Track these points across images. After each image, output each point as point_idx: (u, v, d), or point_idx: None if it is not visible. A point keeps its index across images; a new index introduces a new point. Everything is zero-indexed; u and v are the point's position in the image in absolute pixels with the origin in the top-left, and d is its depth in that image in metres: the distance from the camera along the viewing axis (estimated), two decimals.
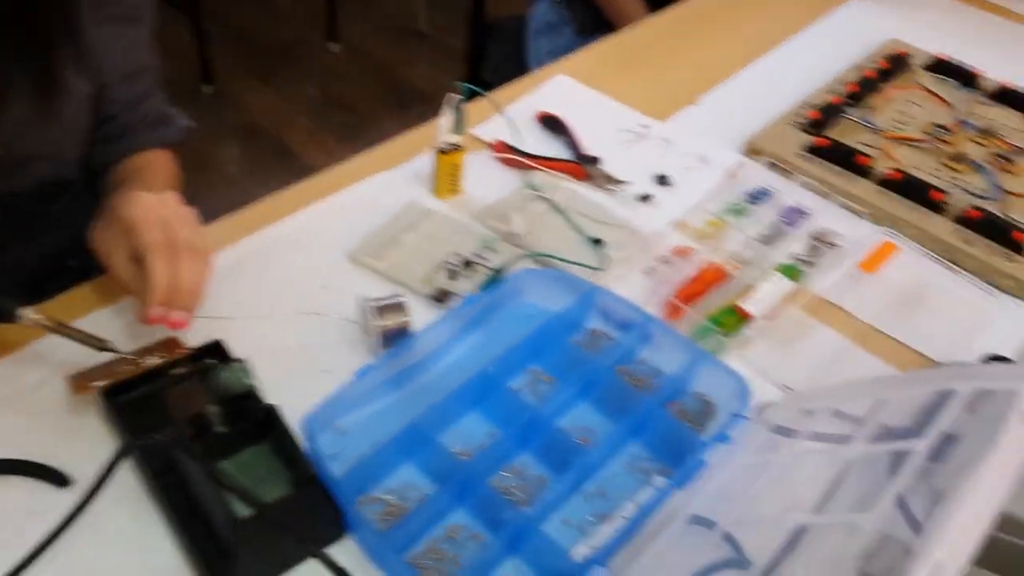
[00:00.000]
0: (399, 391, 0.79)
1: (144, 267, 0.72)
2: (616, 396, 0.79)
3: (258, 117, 2.73)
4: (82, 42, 0.87)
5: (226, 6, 3.13)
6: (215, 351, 0.78)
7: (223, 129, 2.66)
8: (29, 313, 0.73)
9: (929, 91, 1.22)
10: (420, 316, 0.84)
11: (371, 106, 2.82)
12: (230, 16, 3.10)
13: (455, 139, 0.97)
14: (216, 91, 2.78)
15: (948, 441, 0.66)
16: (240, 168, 2.53)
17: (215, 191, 2.42)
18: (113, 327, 0.82)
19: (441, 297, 0.87)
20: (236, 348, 0.79)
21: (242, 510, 0.62)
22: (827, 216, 0.99)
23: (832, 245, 0.96)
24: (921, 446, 0.58)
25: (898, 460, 0.74)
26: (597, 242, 0.95)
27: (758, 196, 1.02)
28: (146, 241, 0.73)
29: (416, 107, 2.80)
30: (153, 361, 0.76)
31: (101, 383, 0.74)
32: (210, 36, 2.69)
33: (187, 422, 0.67)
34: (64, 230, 1.03)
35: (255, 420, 0.70)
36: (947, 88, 1.23)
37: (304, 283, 0.89)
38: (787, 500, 0.65)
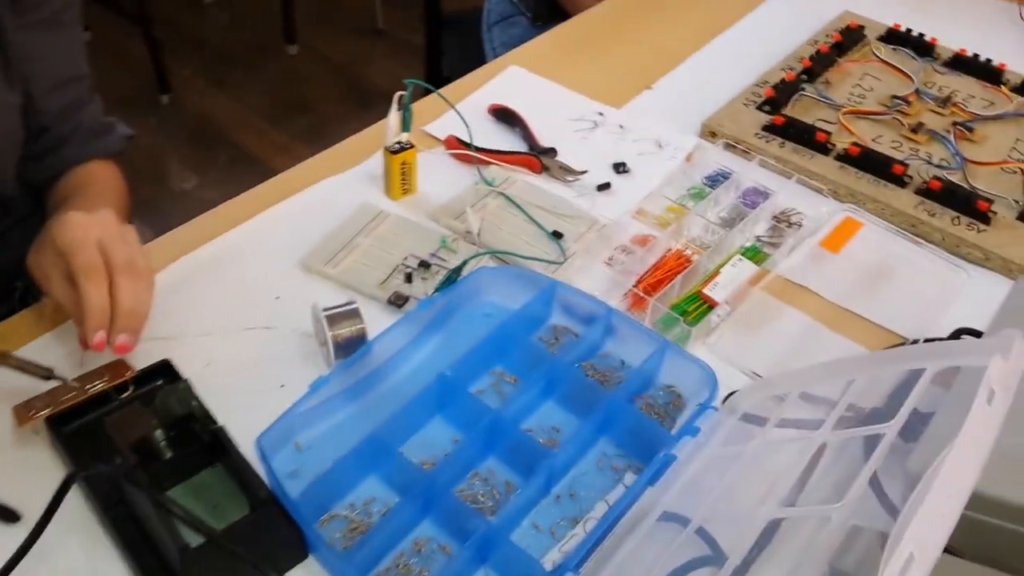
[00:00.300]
0: (357, 402, 0.76)
1: (78, 291, 0.70)
2: (582, 393, 0.77)
3: (218, 124, 2.68)
4: (7, 51, 0.84)
5: (179, 13, 3.08)
6: (163, 371, 0.75)
7: (183, 138, 2.62)
8: None
9: (885, 62, 1.20)
10: (377, 322, 0.81)
11: (333, 107, 2.78)
12: (183, 23, 3.05)
13: (403, 137, 0.95)
14: (173, 100, 2.74)
15: (920, 419, 0.64)
16: (203, 177, 2.48)
17: (178, 201, 2.38)
18: (58, 352, 0.79)
19: (398, 301, 0.85)
20: (186, 367, 0.76)
21: (195, 538, 0.60)
22: (788, 195, 0.98)
23: (794, 225, 0.95)
24: (892, 430, 0.56)
25: (871, 443, 0.73)
26: (556, 235, 0.92)
27: (717, 179, 1.00)
28: (79, 264, 0.70)
29: (379, 106, 2.74)
30: (99, 386, 0.74)
31: (45, 412, 0.72)
32: (162, 45, 2.64)
33: (133, 449, 0.65)
34: (7, 251, 1.00)
35: (203, 443, 0.67)
36: (902, 58, 1.22)
37: (256, 294, 0.86)
38: (760, 491, 0.63)
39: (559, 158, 1.03)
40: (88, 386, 0.73)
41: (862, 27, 1.26)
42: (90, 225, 0.72)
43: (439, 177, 1.00)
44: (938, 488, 0.46)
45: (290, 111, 2.74)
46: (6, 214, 0.98)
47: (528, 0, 1.67)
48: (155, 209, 2.31)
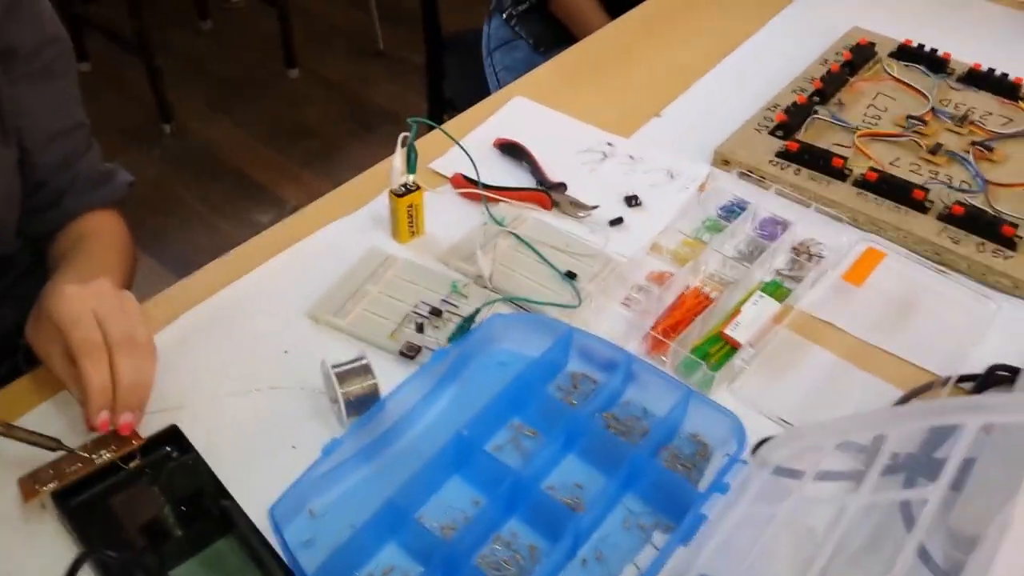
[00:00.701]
0: (371, 463, 0.74)
1: (78, 371, 0.67)
2: (604, 446, 0.74)
3: (222, 151, 2.67)
4: (0, 107, 0.82)
5: (177, 40, 3.07)
6: (171, 438, 0.73)
7: (187, 167, 2.60)
8: None
9: (898, 80, 1.18)
10: (389, 375, 0.78)
11: (335, 130, 2.76)
12: (182, 50, 3.04)
13: (409, 179, 0.92)
14: (176, 129, 2.72)
15: (962, 468, 0.62)
16: (209, 206, 2.47)
17: (186, 231, 2.36)
18: (61, 419, 0.77)
19: (410, 352, 0.82)
20: (194, 431, 0.74)
21: None
22: (807, 225, 0.95)
23: (814, 257, 0.92)
24: (936, 494, 0.53)
25: (911, 480, 0.70)
26: (570, 275, 0.90)
27: (732, 210, 0.98)
28: (76, 342, 0.67)
29: (382, 128, 2.75)
30: (106, 456, 0.71)
31: (52, 486, 0.69)
32: (162, 73, 2.63)
33: (141, 531, 0.62)
34: (10, 309, 0.98)
35: (214, 516, 0.65)
36: (916, 75, 1.19)
37: (263, 349, 0.84)
38: (799, 556, 0.60)
39: (569, 193, 1.01)
40: (95, 455, 0.71)
41: (873, 44, 1.24)
42: (86, 298, 0.69)
43: (447, 217, 0.98)
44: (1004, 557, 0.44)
45: (293, 136, 2.72)
46: (8, 270, 0.96)
47: (530, 27, 1.65)
48: (161, 239, 2.29)
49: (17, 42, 0.81)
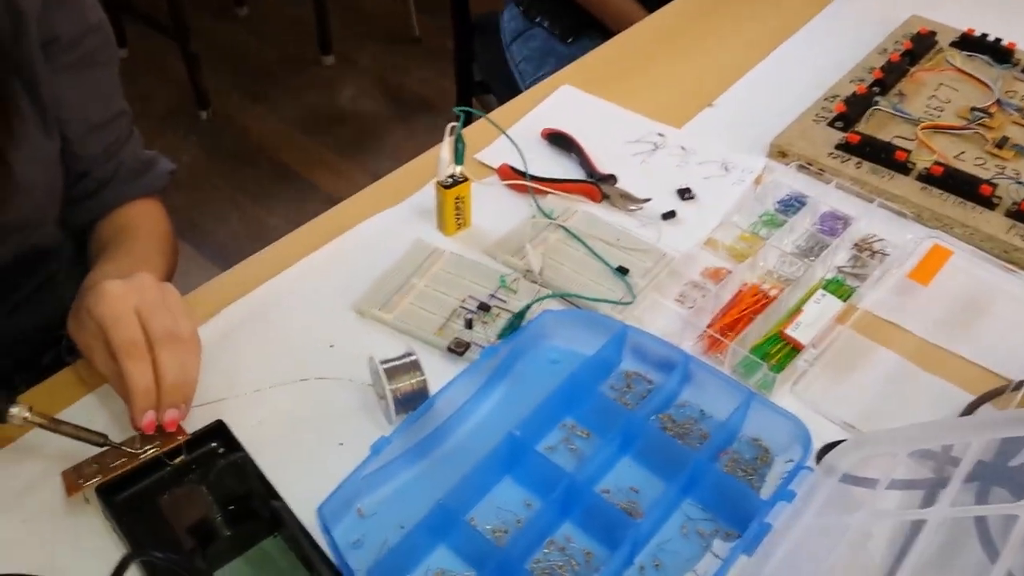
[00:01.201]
0: (421, 462, 0.72)
1: (120, 371, 0.66)
2: (661, 449, 0.71)
3: (258, 138, 2.66)
4: (42, 100, 0.80)
5: (213, 26, 3.07)
6: (216, 433, 0.71)
7: (224, 154, 2.59)
8: (22, 412, 0.67)
9: (961, 71, 1.13)
10: (437, 372, 0.76)
11: (370, 117, 2.75)
12: (218, 36, 3.03)
13: (456, 170, 0.90)
14: (212, 115, 2.72)
15: None
16: (245, 193, 2.46)
17: (222, 220, 2.35)
18: (104, 412, 0.76)
19: (459, 349, 0.80)
20: (240, 425, 0.72)
21: None
22: (869, 220, 0.91)
23: (877, 254, 0.88)
24: None
25: (982, 494, 0.67)
26: (622, 271, 0.87)
27: (791, 204, 0.94)
28: (117, 342, 0.66)
29: (417, 115, 2.72)
30: (151, 451, 0.70)
31: (95, 480, 0.68)
32: (198, 60, 2.62)
33: (189, 531, 0.61)
34: (51, 300, 0.97)
35: (262, 518, 0.63)
36: (979, 65, 1.14)
37: (308, 343, 0.82)
38: (870, 567, 0.57)
39: (619, 185, 0.98)
40: (139, 451, 0.70)
41: (933, 33, 1.19)
42: (127, 295, 0.68)
43: (493, 209, 0.95)
44: None
45: (328, 123, 2.71)
46: (49, 262, 0.95)
47: (551, 15, 1.61)
48: (197, 225, 2.29)
49: (60, 30, 0.80)
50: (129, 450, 0.69)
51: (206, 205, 2.39)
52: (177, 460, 0.70)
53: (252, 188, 2.48)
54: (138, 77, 2.75)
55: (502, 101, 1.22)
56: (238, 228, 2.33)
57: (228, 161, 2.58)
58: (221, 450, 0.70)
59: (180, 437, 0.71)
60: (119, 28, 2.77)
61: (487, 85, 1.89)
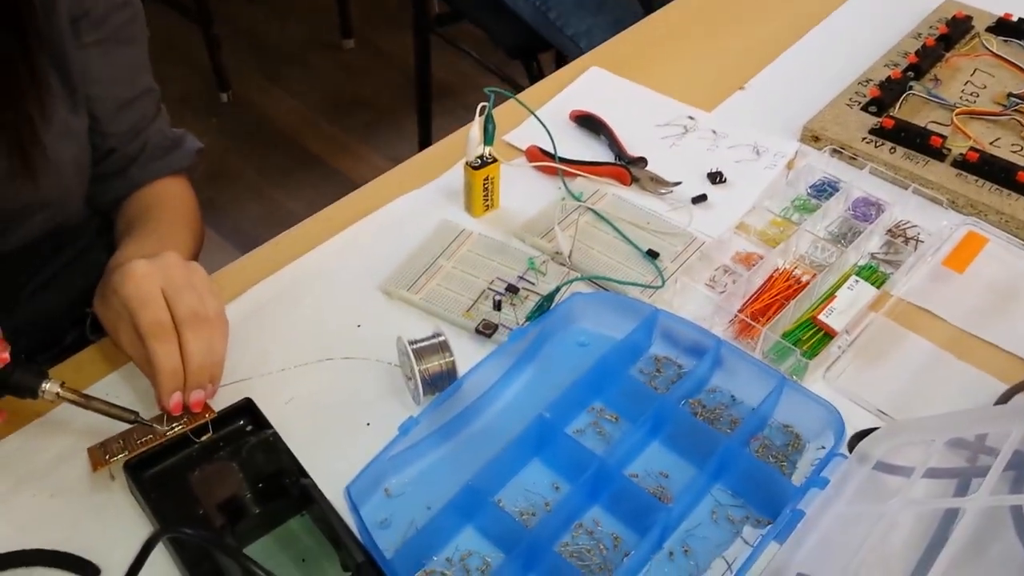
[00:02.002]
0: (448, 443, 0.71)
1: (147, 352, 0.65)
2: (690, 433, 0.71)
3: (278, 121, 2.65)
4: (71, 77, 0.80)
5: (233, 8, 3.06)
6: (245, 411, 0.71)
7: (243, 136, 2.59)
8: (54, 388, 0.67)
9: (997, 56, 1.11)
10: (465, 353, 0.76)
11: (390, 101, 2.73)
12: (238, 19, 3.03)
13: (486, 151, 0.89)
14: (233, 97, 2.72)
15: None
16: (264, 175, 2.46)
17: (242, 201, 2.35)
18: (129, 390, 0.76)
19: (487, 331, 0.79)
20: (267, 404, 0.72)
21: None
22: (903, 207, 0.90)
23: (911, 240, 0.87)
24: None
25: (1017, 485, 0.66)
26: (652, 254, 0.86)
27: (823, 189, 0.93)
28: (144, 323, 0.65)
29: (438, 99, 2.71)
30: (177, 429, 0.69)
31: (121, 457, 0.68)
32: (219, 42, 2.61)
33: (219, 508, 0.60)
34: (77, 278, 0.97)
35: (291, 496, 0.63)
36: (1016, 51, 1.12)
37: (336, 324, 0.82)
38: (904, 554, 0.56)
39: (649, 168, 0.97)
40: (167, 428, 0.69)
41: (969, 17, 1.17)
42: (153, 275, 0.67)
43: (522, 190, 0.94)
44: None
45: (348, 107, 2.70)
46: (76, 239, 0.95)
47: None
48: (218, 208, 2.29)
49: (89, 5, 0.79)
50: (157, 427, 0.69)
51: (225, 187, 2.39)
52: (204, 438, 0.69)
53: (271, 171, 2.47)
54: (158, 59, 2.74)
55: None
56: (257, 211, 2.33)
57: (247, 143, 2.57)
58: (249, 428, 0.70)
59: (207, 415, 0.70)
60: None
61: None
